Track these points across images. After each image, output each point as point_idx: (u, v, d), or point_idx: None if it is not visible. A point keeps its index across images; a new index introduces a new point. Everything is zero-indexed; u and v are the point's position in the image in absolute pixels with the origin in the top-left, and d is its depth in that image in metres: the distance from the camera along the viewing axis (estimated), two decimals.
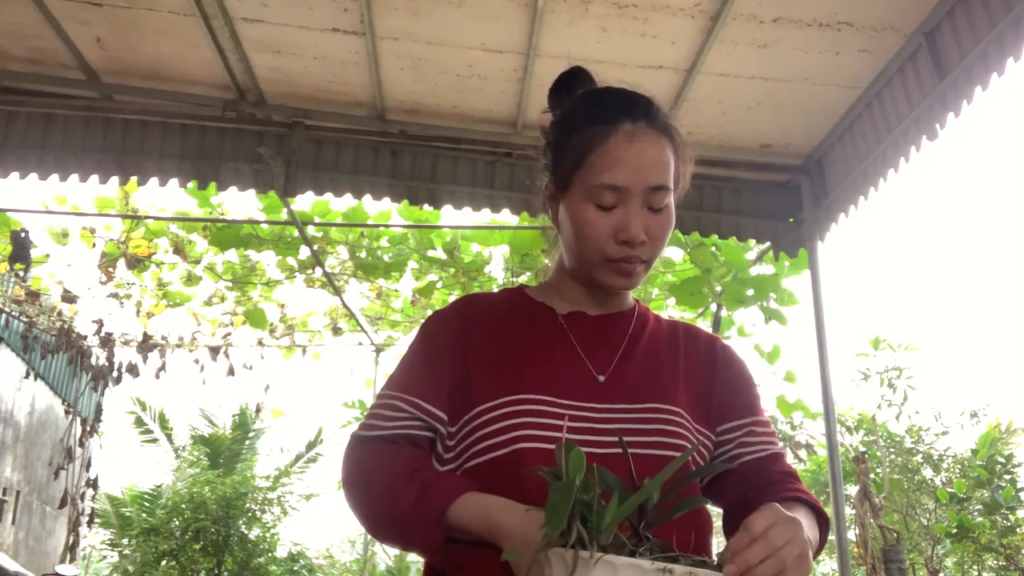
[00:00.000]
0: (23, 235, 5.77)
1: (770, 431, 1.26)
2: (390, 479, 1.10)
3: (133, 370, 7.41)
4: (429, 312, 6.83)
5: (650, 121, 1.15)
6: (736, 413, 1.23)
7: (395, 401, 1.17)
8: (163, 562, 9.57)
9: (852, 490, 7.14)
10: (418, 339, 1.24)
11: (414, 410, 1.15)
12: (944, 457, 9.01)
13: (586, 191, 1.14)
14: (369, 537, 8.96)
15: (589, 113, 1.17)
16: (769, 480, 1.18)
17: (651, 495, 0.92)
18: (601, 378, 1.16)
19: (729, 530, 1.15)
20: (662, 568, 0.82)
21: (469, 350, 1.18)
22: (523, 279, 5.56)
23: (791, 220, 3.79)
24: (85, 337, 7.48)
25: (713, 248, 4.97)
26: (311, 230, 5.36)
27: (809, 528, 1.03)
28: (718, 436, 1.21)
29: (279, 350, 7.80)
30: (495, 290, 1.35)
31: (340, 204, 5.11)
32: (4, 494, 10.67)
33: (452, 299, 6.61)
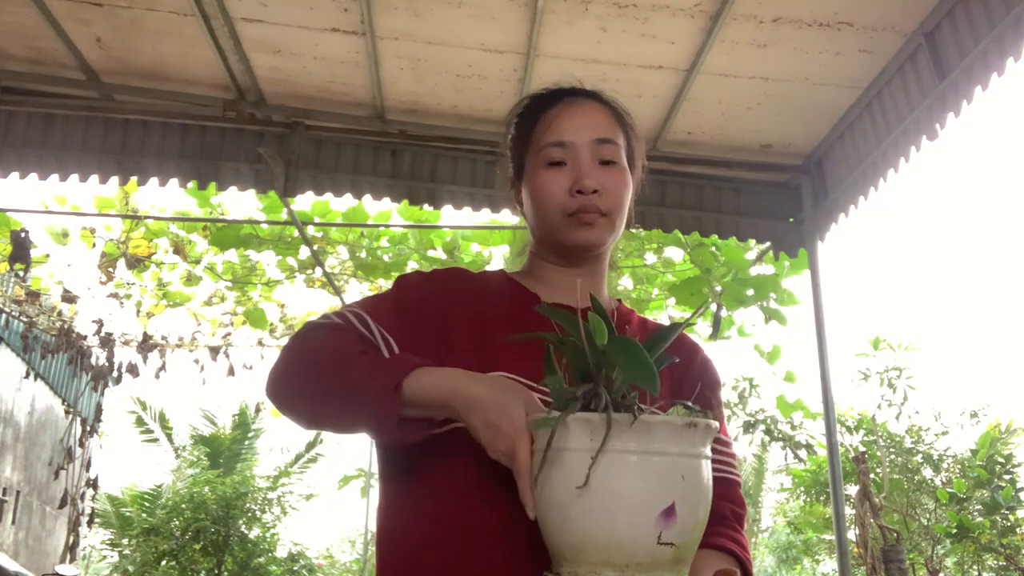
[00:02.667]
0: (23, 235, 5.77)
1: (732, 453, 1.24)
2: (339, 351, 1.05)
3: (133, 370, 7.42)
4: None
5: (590, 96, 1.21)
6: None
7: (349, 311, 1.13)
8: (163, 562, 9.57)
9: (852, 490, 7.14)
10: (396, 284, 1.20)
11: (371, 324, 1.10)
12: (944, 457, 9.01)
13: (536, 159, 1.17)
14: (369, 537, 8.95)
15: (535, 103, 1.23)
16: (719, 514, 1.09)
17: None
18: None
19: None
20: (689, 423, 0.84)
21: (450, 317, 1.14)
22: None
23: (791, 220, 3.79)
24: (85, 337, 7.49)
25: (713, 248, 4.97)
26: (311, 230, 5.36)
27: None
28: None
29: (279, 350, 7.79)
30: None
31: (340, 204, 5.12)
32: (4, 494, 10.67)
33: None
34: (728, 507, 1.15)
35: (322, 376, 1.04)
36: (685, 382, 1.21)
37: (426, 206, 3.68)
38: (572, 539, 0.83)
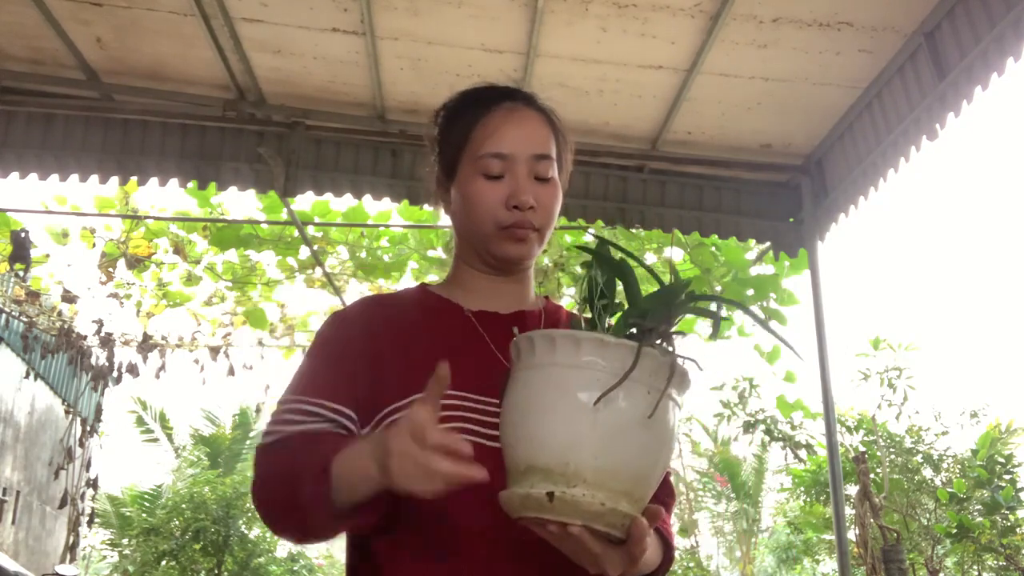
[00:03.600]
0: (23, 235, 5.77)
1: None
2: (287, 466, 1.03)
3: (133, 370, 7.42)
4: None
5: (528, 102, 1.21)
6: None
7: (298, 405, 1.09)
8: (163, 562, 9.57)
9: (852, 490, 7.13)
10: (316, 343, 1.18)
11: (320, 410, 1.08)
12: (944, 457, 9.00)
13: (473, 166, 1.16)
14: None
15: (470, 100, 1.22)
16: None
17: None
18: None
19: None
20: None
21: (374, 350, 1.12)
22: None
23: (791, 220, 3.79)
24: (85, 337, 7.49)
25: (713, 248, 4.97)
26: (311, 230, 5.36)
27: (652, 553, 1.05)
28: None
29: (279, 350, 7.80)
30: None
31: (340, 204, 5.12)
32: (4, 494, 10.67)
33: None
34: (662, 493, 1.15)
35: (278, 506, 1.04)
36: None
37: (426, 206, 3.68)
38: (604, 463, 0.84)
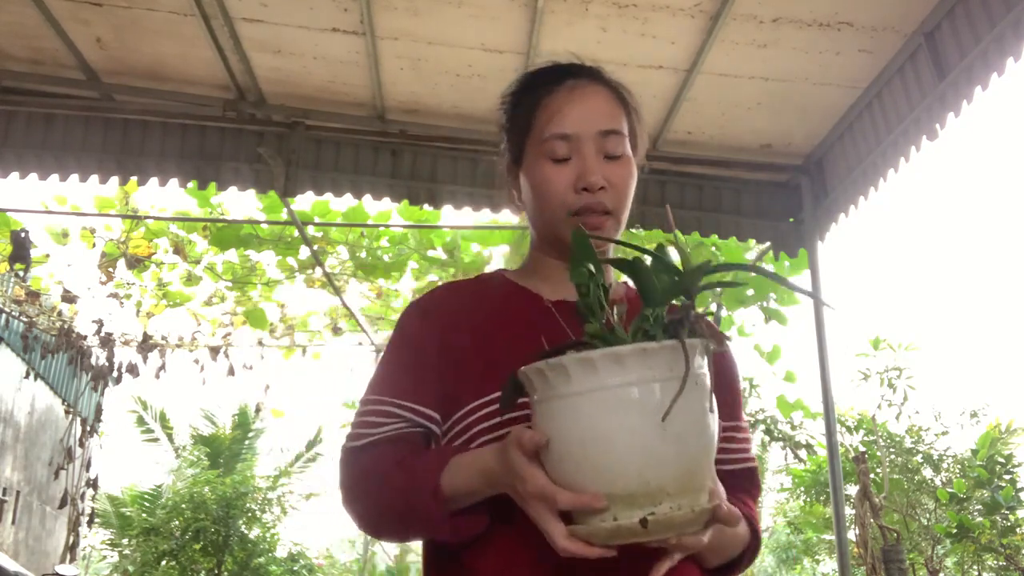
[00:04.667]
0: (23, 235, 5.77)
1: (748, 438, 1.22)
2: (381, 475, 1.04)
3: (133, 370, 7.42)
4: None
5: (593, 77, 1.15)
6: (722, 413, 1.16)
7: (381, 407, 1.09)
8: (163, 562, 9.57)
9: (852, 490, 7.13)
10: (395, 337, 1.16)
11: (403, 412, 1.08)
12: (944, 457, 9.00)
13: (538, 150, 1.11)
14: (369, 537, 8.96)
15: (531, 82, 1.17)
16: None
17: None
18: None
19: None
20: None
21: (455, 344, 1.09)
22: None
23: (791, 220, 3.79)
24: (85, 337, 7.49)
25: (713, 248, 4.97)
26: (311, 230, 5.36)
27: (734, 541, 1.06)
28: None
29: (279, 350, 7.80)
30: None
31: (340, 204, 5.12)
32: (4, 494, 10.67)
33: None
34: (745, 491, 1.17)
35: (376, 507, 1.06)
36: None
37: (426, 206, 3.68)
38: (682, 469, 0.82)
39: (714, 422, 0.85)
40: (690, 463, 0.82)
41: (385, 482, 1.03)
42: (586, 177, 1.08)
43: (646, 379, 0.81)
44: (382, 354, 1.17)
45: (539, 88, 1.14)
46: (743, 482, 1.17)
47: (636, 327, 0.86)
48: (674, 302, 0.87)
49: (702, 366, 0.84)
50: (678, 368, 0.81)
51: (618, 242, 1.01)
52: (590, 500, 0.81)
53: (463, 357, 1.09)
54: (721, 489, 0.90)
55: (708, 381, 0.84)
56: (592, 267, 0.89)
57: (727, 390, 1.18)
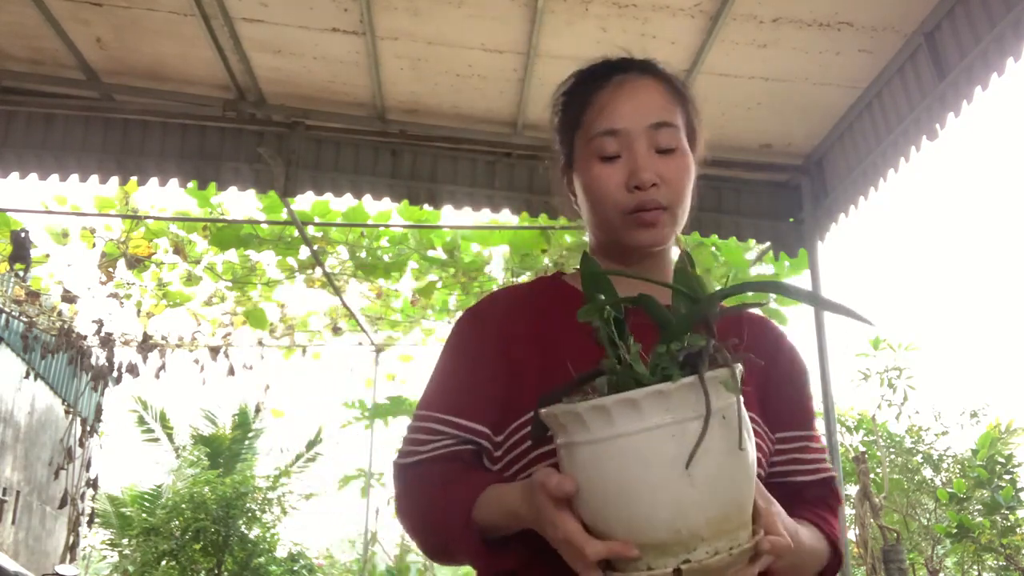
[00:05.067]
0: (23, 235, 5.77)
1: (822, 448, 1.16)
2: (423, 499, 1.04)
3: (133, 370, 7.42)
4: (429, 312, 6.88)
5: (643, 70, 1.11)
6: (794, 423, 1.12)
7: (430, 423, 1.06)
8: (163, 562, 9.57)
9: (852, 490, 7.13)
10: (450, 344, 1.13)
11: (452, 429, 1.05)
12: (944, 457, 9.00)
13: (587, 149, 1.07)
14: (369, 537, 8.97)
15: (581, 79, 1.14)
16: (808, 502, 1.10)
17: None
18: None
19: None
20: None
21: (509, 352, 1.06)
22: (523, 279, 5.56)
23: (791, 220, 3.79)
24: (85, 337, 7.48)
25: (713, 248, 4.97)
26: (311, 230, 5.36)
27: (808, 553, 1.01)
28: (773, 445, 1.11)
29: (279, 350, 7.80)
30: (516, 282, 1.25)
31: (340, 204, 5.12)
32: (4, 494, 10.67)
33: (453, 299, 6.56)
34: (822, 500, 1.13)
35: (424, 533, 1.05)
36: (779, 385, 1.12)
37: (426, 206, 3.68)
38: (715, 512, 0.77)
39: (750, 455, 0.80)
40: (724, 506, 0.77)
41: (426, 507, 1.03)
42: (637, 174, 1.03)
43: (666, 423, 0.76)
44: (436, 362, 1.13)
45: (588, 84, 1.11)
46: (820, 493, 1.13)
47: (653, 365, 0.80)
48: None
49: (729, 399, 0.79)
50: (700, 407, 0.75)
51: (634, 275, 0.93)
52: (620, 549, 0.77)
53: (521, 368, 1.05)
54: (775, 512, 0.85)
55: (739, 413, 0.79)
56: (604, 298, 0.85)
57: (792, 395, 1.14)
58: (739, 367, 0.80)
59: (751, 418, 1.01)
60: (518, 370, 1.04)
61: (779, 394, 1.11)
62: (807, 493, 1.11)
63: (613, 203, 1.05)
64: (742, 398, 0.80)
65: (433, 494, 1.02)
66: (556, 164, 1.17)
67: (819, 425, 1.18)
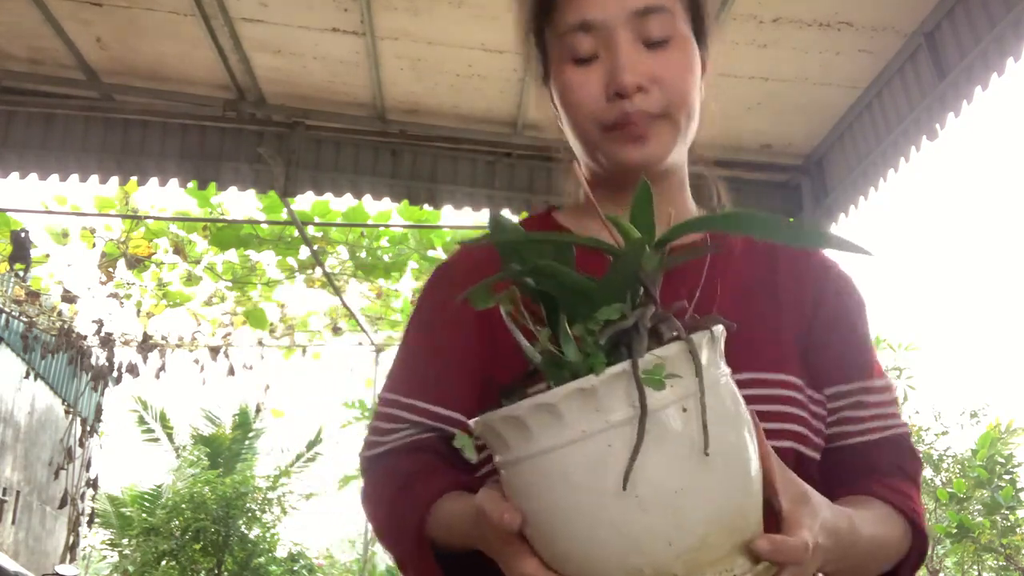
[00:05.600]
0: (23, 235, 5.77)
1: (886, 400, 0.91)
2: (382, 502, 0.89)
3: (133, 370, 7.42)
4: None
5: None
6: (841, 374, 0.89)
7: (392, 409, 0.91)
8: (163, 562, 9.58)
9: None
10: (419, 313, 0.94)
11: (415, 416, 0.89)
12: (944, 457, 9.00)
13: (559, 49, 0.87)
14: (369, 537, 8.97)
15: None
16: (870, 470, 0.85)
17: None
18: None
19: None
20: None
21: (489, 316, 0.79)
22: None
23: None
24: (85, 337, 7.49)
25: None
26: (311, 230, 5.36)
27: (872, 544, 0.77)
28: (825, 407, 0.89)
29: (279, 350, 7.80)
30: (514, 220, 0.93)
31: (340, 204, 5.12)
32: (4, 494, 10.67)
33: None
34: (887, 464, 0.88)
35: (382, 537, 0.91)
36: (824, 327, 0.90)
37: (426, 206, 3.68)
38: (686, 540, 0.58)
39: (742, 452, 0.61)
40: (698, 529, 0.57)
41: (384, 516, 0.89)
42: (617, 78, 0.81)
43: (596, 430, 0.56)
44: (403, 335, 0.96)
45: None
46: (892, 458, 0.87)
47: (583, 352, 0.61)
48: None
49: (688, 383, 0.58)
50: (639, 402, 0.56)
51: (559, 239, 0.71)
52: None
53: (500, 329, 0.73)
54: (804, 512, 0.65)
55: (702, 402, 0.57)
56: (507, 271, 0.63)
57: (840, 340, 0.90)
58: (714, 332, 0.61)
59: (785, 382, 0.83)
60: (500, 338, 0.78)
61: (824, 342, 0.89)
62: (877, 459, 0.87)
63: (591, 115, 0.84)
64: (727, 375, 0.63)
65: (391, 497, 0.87)
66: (536, 78, 0.96)
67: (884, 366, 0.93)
